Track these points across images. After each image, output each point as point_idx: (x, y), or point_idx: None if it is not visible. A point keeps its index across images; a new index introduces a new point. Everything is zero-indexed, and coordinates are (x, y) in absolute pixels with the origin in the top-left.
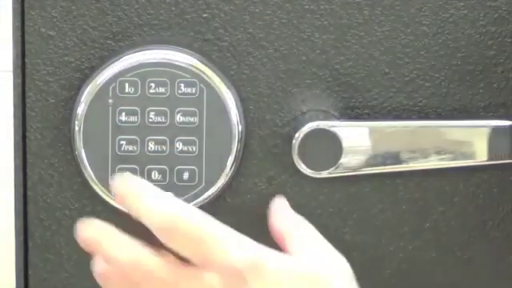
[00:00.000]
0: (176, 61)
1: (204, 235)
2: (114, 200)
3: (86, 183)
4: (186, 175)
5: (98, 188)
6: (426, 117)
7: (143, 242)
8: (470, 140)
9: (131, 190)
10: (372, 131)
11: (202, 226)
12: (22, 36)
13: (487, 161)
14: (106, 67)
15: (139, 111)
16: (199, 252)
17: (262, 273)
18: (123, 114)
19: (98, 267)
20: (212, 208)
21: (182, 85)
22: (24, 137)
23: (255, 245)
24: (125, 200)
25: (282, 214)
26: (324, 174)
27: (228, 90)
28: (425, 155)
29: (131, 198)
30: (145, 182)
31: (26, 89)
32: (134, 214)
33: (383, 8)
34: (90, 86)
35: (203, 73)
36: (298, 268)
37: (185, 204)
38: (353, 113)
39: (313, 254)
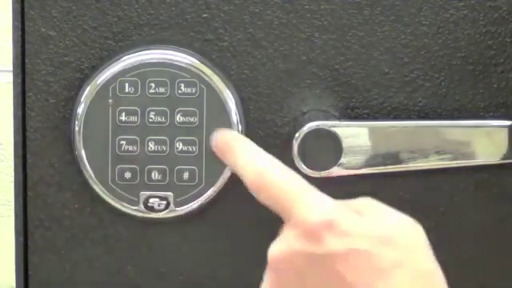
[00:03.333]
0: (176, 61)
1: (287, 191)
2: (113, 200)
3: (86, 183)
4: (186, 175)
5: (98, 188)
6: (426, 117)
7: None
8: (470, 140)
9: (228, 146)
10: (372, 131)
11: (287, 182)
12: (22, 36)
13: (487, 161)
14: (106, 67)
15: (139, 111)
16: (283, 207)
17: (336, 232)
18: (123, 114)
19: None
20: (212, 208)
21: (182, 85)
22: (24, 137)
23: (334, 204)
24: (223, 156)
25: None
26: (324, 174)
27: (228, 90)
28: (425, 155)
29: (228, 154)
30: (241, 137)
31: (26, 89)
32: (232, 169)
33: (383, 8)
34: (90, 86)
35: (203, 73)
36: (370, 229)
37: (275, 159)
38: (353, 113)
39: (378, 216)
